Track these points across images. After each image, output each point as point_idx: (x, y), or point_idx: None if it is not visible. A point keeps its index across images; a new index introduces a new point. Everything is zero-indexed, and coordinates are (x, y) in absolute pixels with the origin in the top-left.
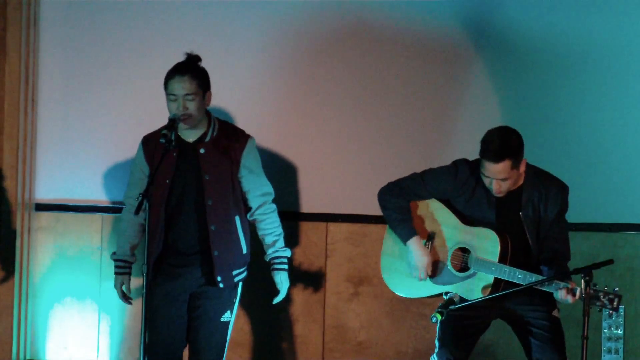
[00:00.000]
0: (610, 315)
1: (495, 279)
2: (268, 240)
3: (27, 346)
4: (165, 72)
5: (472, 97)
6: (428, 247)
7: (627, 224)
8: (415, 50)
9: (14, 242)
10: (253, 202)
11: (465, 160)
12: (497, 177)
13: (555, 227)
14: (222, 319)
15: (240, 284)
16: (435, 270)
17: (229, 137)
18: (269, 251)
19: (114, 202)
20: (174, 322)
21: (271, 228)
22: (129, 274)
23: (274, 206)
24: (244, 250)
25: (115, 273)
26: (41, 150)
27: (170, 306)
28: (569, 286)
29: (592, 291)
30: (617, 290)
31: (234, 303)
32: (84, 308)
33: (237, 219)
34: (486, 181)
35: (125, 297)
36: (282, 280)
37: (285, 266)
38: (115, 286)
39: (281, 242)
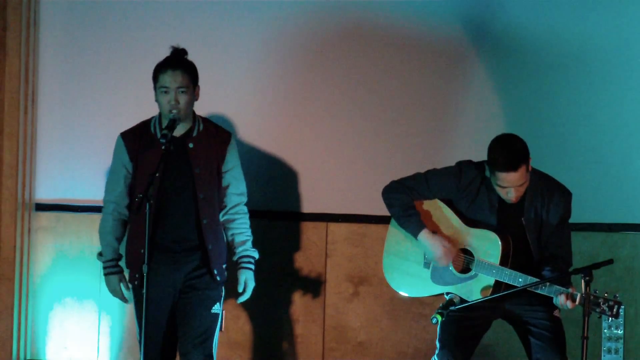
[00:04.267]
0: (609, 317)
1: (496, 281)
2: (238, 239)
3: (27, 346)
4: None
5: (472, 97)
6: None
7: (627, 224)
8: (414, 50)
9: (14, 242)
10: (229, 200)
11: (469, 162)
12: (515, 184)
13: (557, 233)
14: (212, 311)
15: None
16: (438, 270)
17: (213, 133)
18: (239, 249)
19: None
20: (164, 319)
21: (243, 228)
22: (122, 271)
23: (247, 209)
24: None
25: (108, 274)
26: (41, 150)
27: (160, 302)
28: (569, 291)
29: (592, 297)
30: (618, 296)
31: (222, 296)
32: (84, 308)
33: (219, 215)
34: (502, 192)
35: (124, 297)
36: (248, 279)
37: (253, 266)
38: (114, 287)
39: (250, 244)
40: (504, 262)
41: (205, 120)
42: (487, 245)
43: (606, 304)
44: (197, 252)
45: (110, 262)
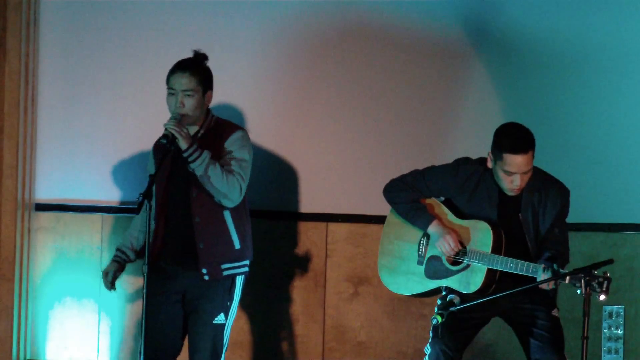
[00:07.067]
0: (599, 294)
1: (489, 269)
2: None
3: (27, 346)
4: (164, 72)
5: (472, 97)
6: (423, 244)
7: (627, 224)
8: (414, 50)
9: (14, 242)
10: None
11: (467, 159)
12: (523, 169)
13: (554, 230)
14: (214, 322)
15: (240, 282)
16: (431, 265)
17: (220, 130)
18: None
19: (113, 202)
20: (167, 323)
21: None
22: (121, 267)
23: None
24: (237, 246)
25: (111, 260)
26: (41, 150)
27: (163, 306)
28: (555, 267)
29: (580, 275)
30: (607, 273)
31: (229, 306)
32: (84, 308)
33: (227, 213)
34: (507, 180)
35: (109, 283)
36: None
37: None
38: (103, 270)
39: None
40: (496, 251)
41: (220, 120)
42: (478, 235)
43: (595, 281)
44: (191, 252)
45: (117, 251)
